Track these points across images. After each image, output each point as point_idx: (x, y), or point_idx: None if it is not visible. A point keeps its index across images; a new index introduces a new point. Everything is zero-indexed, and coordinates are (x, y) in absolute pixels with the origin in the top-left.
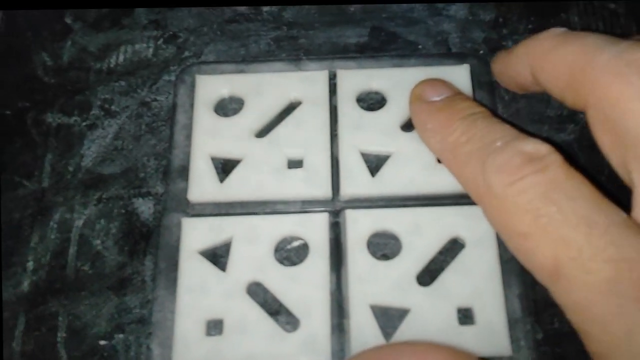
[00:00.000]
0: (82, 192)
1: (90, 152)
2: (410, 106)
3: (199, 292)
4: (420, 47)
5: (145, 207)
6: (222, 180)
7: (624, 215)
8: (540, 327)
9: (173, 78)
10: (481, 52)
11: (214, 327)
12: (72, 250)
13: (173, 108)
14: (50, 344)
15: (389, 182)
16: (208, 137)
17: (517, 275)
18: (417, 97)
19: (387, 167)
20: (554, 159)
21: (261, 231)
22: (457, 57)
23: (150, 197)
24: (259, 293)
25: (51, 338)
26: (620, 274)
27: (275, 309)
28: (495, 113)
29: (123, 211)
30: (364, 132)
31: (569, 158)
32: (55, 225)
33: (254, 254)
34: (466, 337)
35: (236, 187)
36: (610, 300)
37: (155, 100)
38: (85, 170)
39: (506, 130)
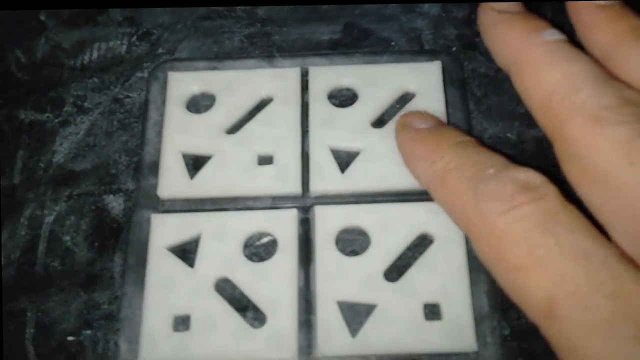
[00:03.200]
0: (53, 188)
1: (62, 148)
2: (397, 135)
3: (166, 288)
4: (393, 43)
5: (115, 204)
6: (192, 176)
7: (615, 247)
8: (507, 322)
9: (146, 75)
10: (454, 49)
11: (182, 323)
12: (41, 246)
13: (145, 105)
14: (18, 341)
15: (358, 178)
16: (179, 133)
17: (485, 272)
18: (403, 125)
19: (356, 163)
20: (550, 190)
21: (230, 227)
22: (429, 54)
23: (121, 194)
24: (227, 289)
25: (19, 334)
26: (619, 310)
27: (243, 305)
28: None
29: (93, 207)
30: (334, 128)
31: (539, 154)
32: (25, 222)
33: (222, 250)
34: (432, 333)
35: (206, 184)
36: (609, 340)
37: (128, 97)
38: (57, 167)
39: (497, 158)
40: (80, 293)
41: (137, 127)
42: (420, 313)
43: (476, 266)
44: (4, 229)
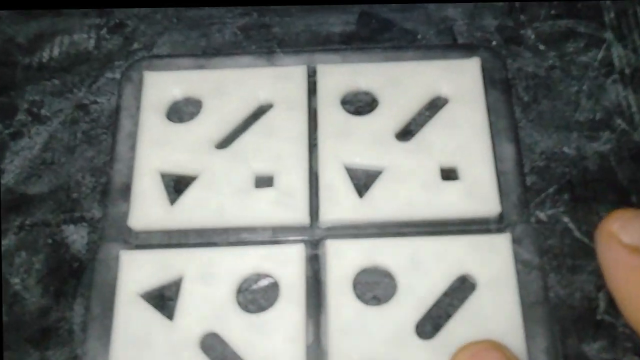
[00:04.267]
0: (1, 216)
1: (13, 166)
2: (600, 243)
3: (138, 347)
4: (419, 37)
5: (77, 236)
6: (173, 201)
7: None
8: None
9: (118, 76)
10: (493, 42)
11: None
12: None
13: (117, 112)
14: None
15: (380, 204)
16: (157, 147)
17: (543, 326)
18: (610, 233)
19: (378, 186)
20: None
21: (220, 267)
22: (465, 49)
23: (84, 224)
24: (215, 347)
25: None
26: None
27: None
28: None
29: (50, 241)
30: (350, 141)
31: (604, 172)
32: None
33: (210, 296)
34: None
35: (190, 211)
36: None
37: (95, 102)
38: (6, 190)
39: None
40: (31, 351)
41: (105, 141)
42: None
43: (530, 315)
44: None
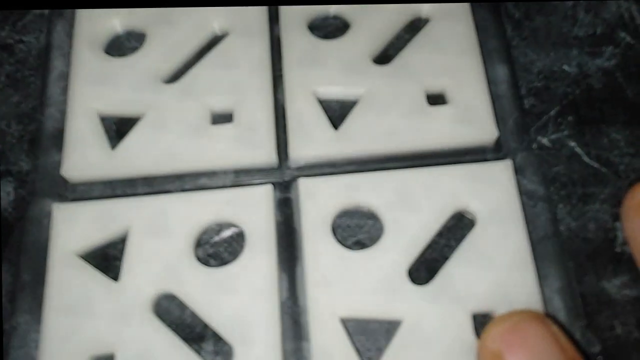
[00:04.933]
0: None
1: None
2: (628, 219)
3: (78, 315)
4: None
5: (3, 193)
6: (114, 146)
7: None
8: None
9: (46, 11)
10: None
11: None
12: None
13: (46, 52)
14: None
15: (359, 136)
16: (94, 86)
17: (556, 263)
18: (638, 208)
19: (355, 116)
20: None
21: (174, 217)
22: None
23: (10, 178)
24: (172, 311)
25: None
26: None
27: (197, 334)
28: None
29: None
30: (320, 68)
31: (610, 90)
32: None
33: (162, 251)
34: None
35: (136, 156)
36: None
37: (21, 41)
38: None
39: None
40: None
41: (34, 84)
42: (468, 325)
43: (540, 251)
44: None
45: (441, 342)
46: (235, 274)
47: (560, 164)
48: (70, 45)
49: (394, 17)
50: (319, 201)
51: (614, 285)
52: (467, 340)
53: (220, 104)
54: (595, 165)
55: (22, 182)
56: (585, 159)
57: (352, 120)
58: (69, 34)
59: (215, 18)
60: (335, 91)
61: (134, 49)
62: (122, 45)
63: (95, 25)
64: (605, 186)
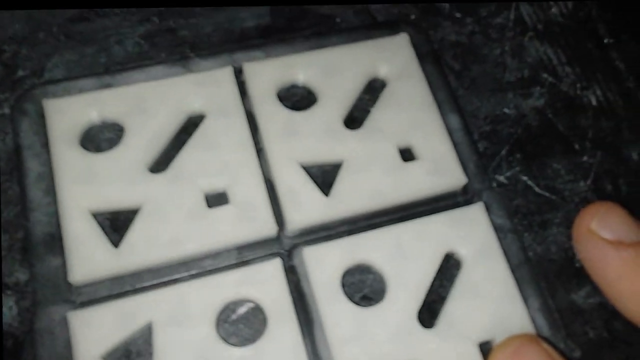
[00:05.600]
0: None
1: None
2: (580, 243)
3: None
4: (337, 20)
5: (4, 309)
6: (116, 243)
7: None
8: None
9: (7, 110)
10: (412, 16)
11: None
12: None
13: (16, 153)
14: None
15: (348, 199)
16: (81, 185)
17: (532, 285)
18: (589, 231)
19: (341, 180)
20: None
21: (191, 304)
22: (387, 27)
23: (9, 291)
24: None
25: None
26: None
27: None
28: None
29: None
30: (298, 139)
31: (545, 126)
32: None
33: (189, 339)
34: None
35: (140, 250)
36: None
37: None
38: None
39: None
40: None
41: (11, 189)
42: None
43: (521, 276)
44: None
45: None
46: (263, 348)
47: (518, 197)
48: (41, 144)
49: (356, 80)
50: (325, 266)
51: (580, 297)
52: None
53: (212, 186)
54: (546, 194)
55: (23, 293)
56: (537, 189)
57: (339, 185)
58: (37, 132)
59: (186, 101)
60: (316, 159)
61: (109, 141)
62: (96, 138)
63: (67, 120)
64: (557, 211)
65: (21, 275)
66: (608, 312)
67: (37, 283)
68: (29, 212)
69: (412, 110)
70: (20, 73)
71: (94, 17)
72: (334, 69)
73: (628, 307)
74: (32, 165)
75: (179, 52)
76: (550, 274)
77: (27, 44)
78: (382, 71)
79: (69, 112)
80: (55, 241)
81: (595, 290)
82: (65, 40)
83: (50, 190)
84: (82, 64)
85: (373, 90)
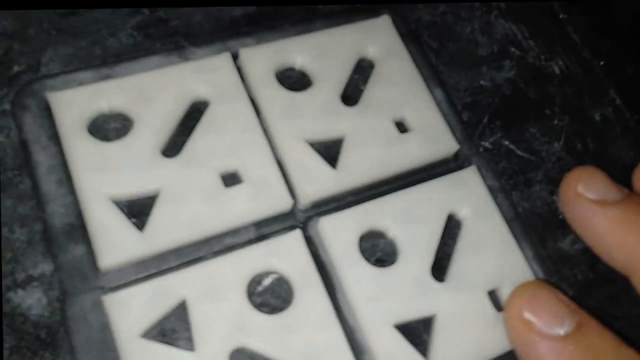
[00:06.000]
0: None
1: None
2: (568, 204)
3: None
4: (321, 6)
5: (32, 300)
6: (139, 227)
7: None
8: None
9: (7, 107)
10: None
11: None
12: None
13: (23, 148)
14: None
15: (354, 170)
16: (98, 173)
17: (524, 238)
18: (576, 194)
19: (346, 153)
20: None
21: (220, 279)
22: (367, 11)
23: (35, 283)
24: None
25: None
26: None
27: None
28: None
29: None
30: (300, 117)
31: (518, 95)
32: None
33: (223, 312)
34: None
35: (163, 232)
36: None
37: None
38: None
39: None
40: None
41: (22, 183)
42: (487, 303)
43: (518, 227)
44: None
45: (471, 321)
46: (295, 314)
47: (503, 160)
48: (47, 137)
49: (345, 61)
50: (341, 233)
51: (567, 244)
52: (490, 314)
53: (225, 167)
54: (526, 155)
55: (50, 283)
56: (518, 152)
57: (344, 157)
58: (41, 126)
59: (191, 87)
60: (320, 136)
61: (117, 130)
62: (102, 129)
63: (74, 113)
64: (538, 170)
65: (46, 267)
66: (592, 256)
67: (63, 273)
68: (45, 205)
69: (402, 86)
70: (16, 69)
71: (83, 11)
72: (325, 52)
73: (614, 257)
74: (42, 159)
75: (173, 41)
76: (538, 227)
77: (18, 40)
78: (370, 52)
79: (75, 104)
80: (76, 230)
81: (579, 237)
82: (57, 35)
83: (64, 182)
84: (77, 57)
85: (362, 69)
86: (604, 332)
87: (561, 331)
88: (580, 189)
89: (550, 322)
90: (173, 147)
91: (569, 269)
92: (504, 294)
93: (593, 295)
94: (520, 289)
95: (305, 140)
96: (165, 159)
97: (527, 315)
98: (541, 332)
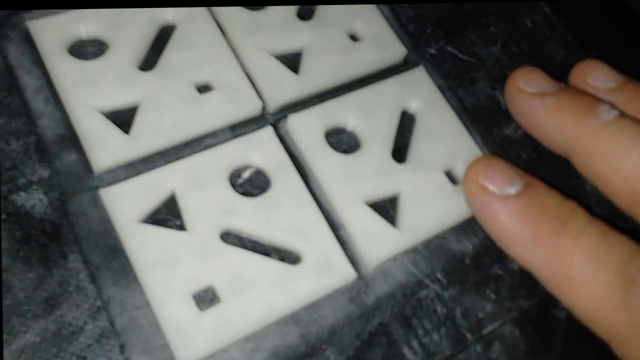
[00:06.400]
0: None
1: None
2: (512, 99)
3: (166, 266)
4: None
5: (34, 200)
6: (127, 131)
7: None
8: None
9: None
10: None
11: (206, 298)
12: None
13: (9, 73)
14: None
15: (315, 75)
16: (81, 87)
17: (472, 127)
18: (518, 90)
19: (306, 60)
20: None
21: (204, 171)
22: None
23: (35, 187)
24: (237, 240)
25: None
26: None
27: (264, 251)
28: None
29: (4, 216)
30: (263, 32)
31: (455, 6)
32: None
33: (210, 197)
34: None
35: (148, 136)
36: None
37: None
38: None
39: None
40: (47, 325)
41: (12, 103)
42: (444, 180)
43: (469, 115)
44: None
45: (431, 195)
46: (276, 196)
47: (447, 63)
48: (30, 62)
49: None
50: (308, 127)
51: (510, 130)
52: (448, 188)
53: (198, 77)
54: (468, 58)
55: (49, 186)
56: (461, 56)
57: (305, 66)
58: (23, 53)
59: (160, 14)
60: (281, 48)
61: (94, 54)
62: (81, 52)
63: (54, 35)
64: (480, 70)
65: (43, 172)
66: (533, 140)
67: (60, 176)
68: (35, 120)
69: (353, 3)
70: None
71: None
72: None
73: (554, 141)
74: (28, 81)
75: None
76: (484, 117)
77: None
78: None
79: (54, 29)
80: (67, 140)
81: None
82: None
83: (50, 100)
84: None
85: None
86: (549, 189)
87: (512, 190)
88: (522, 85)
89: (503, 183)
90: (148, 63)
91: (515, 151)
92: (459, 171)
93: (538, 172)
94: (475, 161)
95: (270, 51)
96: (142, 72)
97: (482, 180)
98: (495, 193)
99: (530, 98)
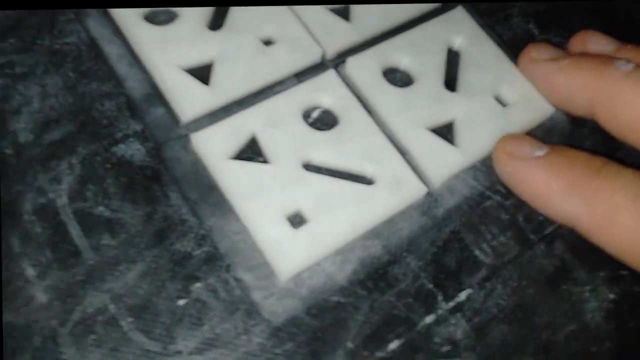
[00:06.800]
0: (43, 167)
1: (23, 124)
2: (527, 67)
3: (258, 196)
4: None
5: (133, 150)
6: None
7: None
8: None
9: (72, 15)
10: None
11: (295, 221)
12: (74, 231)
13: (94, 44)
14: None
15: (369, 21)
16: (160, 50)
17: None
18: (532, 59)
19: (355, 9)
20: None
21: (279, 111)
22: None
23: (131, 139)
24: (315, 171)
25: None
26: None
27: (341, 177)
28: None
29: (108, 165)
30: None
31: None
32: (33, 218)
33: (287, 133)
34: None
35: (226, 86)
36: None
37: (66, 44)
38: (31, 144)
39: None
40: (160, 254)
41: (100, 70)
42: (494, 104)
43: None
44: (8, 236)
45: (484, 118)
46: (345, 130)
47: (483, 3)
48: (111, 33)
49: None
50: (367, 68)
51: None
52: (498, 109)
53: (263, 32)
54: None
55: (144, 138)
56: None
57: (357, 11)
58: (103, 26)
59: None
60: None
61: (166, 21)
62: (154, 20)
63: (129, 9)
64: (513, 8)
65: (136, 126)
66: None
67: (151, 129)
68: (122, 82)
69: None
70: None
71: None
72: None
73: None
74: (111, 50)
75: None
76: (522, 48)
77: None
78: None
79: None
80: (153, 97)
81: None
82: None
83: (133, 64)
84: None
85: None
86: (574, 148)
87: (540, 153)
88: (534, 54)
89: (530, 148)
90: (215, 24)
91: None
92: (506, 94)
93: None
94: (503, 137)
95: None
96: (212, 32)
97: (511, 148)
98: (524, 157)
99: (546, 64)
